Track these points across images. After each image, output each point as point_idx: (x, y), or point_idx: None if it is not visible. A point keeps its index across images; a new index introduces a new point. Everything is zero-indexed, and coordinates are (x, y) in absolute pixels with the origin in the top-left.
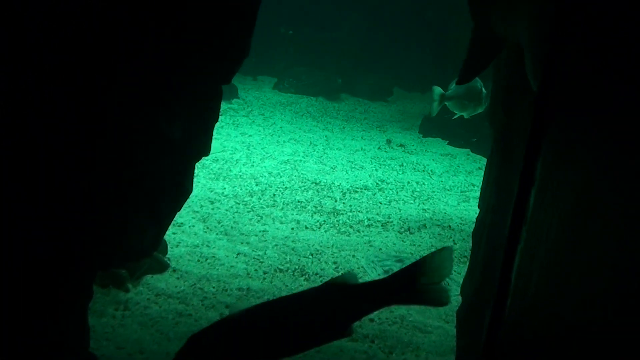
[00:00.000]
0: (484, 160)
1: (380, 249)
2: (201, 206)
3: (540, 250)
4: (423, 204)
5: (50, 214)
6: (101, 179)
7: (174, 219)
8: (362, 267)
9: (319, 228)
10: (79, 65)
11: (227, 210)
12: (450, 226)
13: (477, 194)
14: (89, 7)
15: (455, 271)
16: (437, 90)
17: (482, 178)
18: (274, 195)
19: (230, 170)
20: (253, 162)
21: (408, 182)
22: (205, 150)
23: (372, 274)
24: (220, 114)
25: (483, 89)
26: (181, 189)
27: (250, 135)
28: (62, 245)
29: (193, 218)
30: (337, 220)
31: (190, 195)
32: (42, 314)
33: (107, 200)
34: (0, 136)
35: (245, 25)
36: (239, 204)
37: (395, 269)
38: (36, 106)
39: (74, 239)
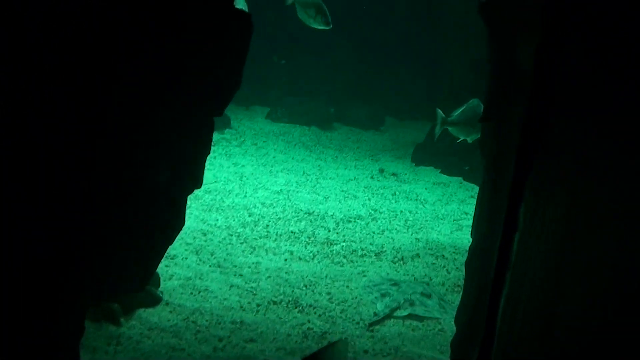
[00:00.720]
0: (476, 189)
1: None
2: (194, 238)
3: (525, 289)
4: (416, 233)
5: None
6: (92, 214)
7: (167, 251)
8: (356, 297)
9: (313, 259)
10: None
11: (220, 241)
12: (443, 255)
13: (470, 222)
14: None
15: (449, 300)
16: (440, 114)
17: (474, 206)
18: (267, 226)
19: (223, 201)
20: (246, 192)
21: (401, 211)
22: (197, 183)
23: (369, 298)
24: (212, 144)
25: None
26: (173, 223)
27: (243, 166)
28: (53, 281)
29: (186, 250)
30: (330, 251)
31: (183, 227)
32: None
33: (99, 235)
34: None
35: (237, 59)
36: (232, 235)
37: (391, 292)
38: (36, 106)
39: (66, 274)
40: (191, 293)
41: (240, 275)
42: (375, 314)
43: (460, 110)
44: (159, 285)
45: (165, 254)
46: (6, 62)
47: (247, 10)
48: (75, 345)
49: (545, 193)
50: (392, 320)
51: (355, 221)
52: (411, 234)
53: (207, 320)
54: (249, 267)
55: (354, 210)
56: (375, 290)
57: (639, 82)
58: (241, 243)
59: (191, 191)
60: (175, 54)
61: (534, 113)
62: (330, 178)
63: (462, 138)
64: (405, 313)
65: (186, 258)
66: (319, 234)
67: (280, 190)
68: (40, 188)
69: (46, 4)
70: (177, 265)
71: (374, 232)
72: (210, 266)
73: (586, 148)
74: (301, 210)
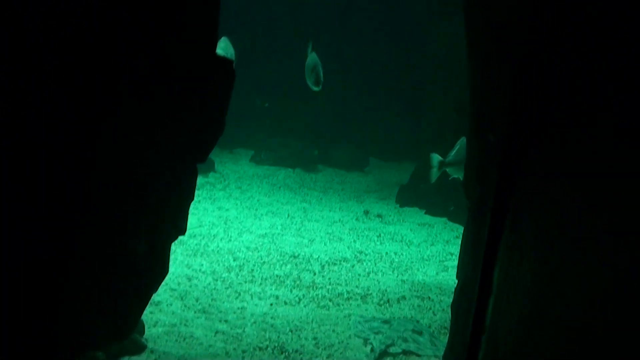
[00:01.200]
0: (461, 229)
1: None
2: (179, 283)
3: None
4: (402, 274)
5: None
6: (76, 265)
7: (152, 297)
8: (343, 341)
9: (298, 303)
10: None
11: (205, 287)
12: (429, 297)
13: (456, 263)
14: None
15: (436, 344)
16: (436, 157)
17: (459, 247)
18: (252, 270)
19: (208, 246)
20: (230, 236)
21: (386, 253)
22: (181, 229)
23: (361, 335)
24: (197, 188)
25: None
26: (157, 271)
27: (227, 210)
28: (37, 331)
29: (170, 296)
30: (316, 294)
31: (168, 273)
32: None
33: (82, 284)
34: None
35: (220, 106)
36: (216, 280)
37: (383, 330)
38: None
39: (49, 324)
40: (176, 340)
41: (226, 321)
42: (372, 350)
43: (455, 150)
44: (143, 332)
45: (150, 301)
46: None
47: (231, 48)
48: None
49: (518, 253)
50: (388, 358)
51: (340, 264)
52: (397, 276)
53: None
54: (235, 313)
55: (339, 252)
56: (367, 328)
57: (608, 144)
58: (226, 288)
59: (175, 238)
60: (156, 108)
61: (505, 180)
62: (315, 220)
63: (457, 176)
64: (399, 350)
65: (171, 304)
66: (304, 277)
67: (265, 233)
68: (17, 242)
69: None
70: (161, 312)
71: (359, 275)
72: (195, 312)
73: (558, 207)
74: (286, 253)
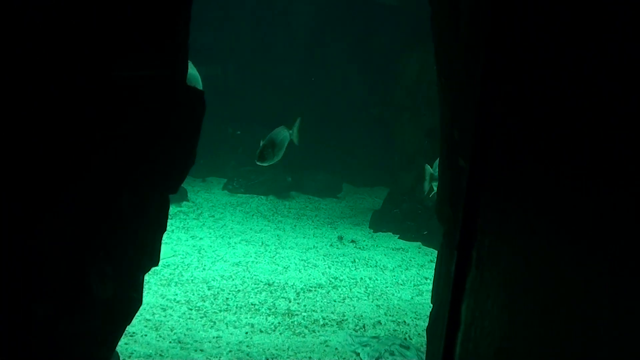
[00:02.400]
0: (435, 253)
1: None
2: (153, 314)
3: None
4: (377, 299)
5: None
6: (46, 295)
7: (126, 329)
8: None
9: (274, 331)
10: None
11: (179, 316)
12: (405, 321)
13: (430, 287)
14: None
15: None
16: (429, 169)
17: (434, 271)
18: (227, 299)
19: (182, 275)
20: (204, 265)
21: (361, 279)
22: (154, 261)
23: (350, 348)
24: (169, 217)
25: None
26: (130, 303)
27: (201, 238)
28: None
29: (145, 327)
30: (292, 322)
31: (142, 303)
32: None
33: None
34: None
35: (191, 137)
36: (191, 309)
37: (372, 344)
38: None
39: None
40: None
41: (201, 350)
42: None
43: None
44: None
45: (125, 332)
46: None
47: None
48: None
49: (484, 289)
50: None
51: (315, 290)
52: (372, 301)
53: None
54: (210, 342)
55: (314, 279)
56: (357, 342)
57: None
58: (201, 317)
59: (148, 269)
60: (126, 141)
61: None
62: (289, 247)
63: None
64: None
65: (145, 335)
66: (279, 305)
67: (239, 261)
68: None
69: None
70: (136, 343)
71: (335, 301)
72: (170, 342)
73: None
74: (261, 281)
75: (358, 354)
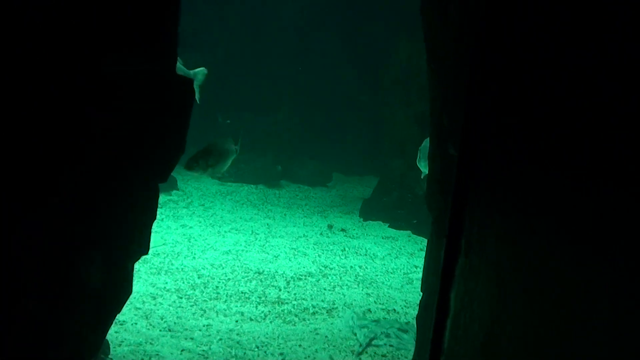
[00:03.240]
0: (425, 241)
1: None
2: (143, 302)
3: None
4: (367, 288)
5: None
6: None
7: (116, 317)
8: (309, 356)
9: (264, 319)
10: None
11: (169, 305)
12: (395, 309)
13: (420, 275)
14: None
15: (402, 355)
16: (426, 145)
17: (424, 260)
18: (217, 287)
19: (172, 264)
20: (194, 254)
21: (351, 267)
22: (144, 249)
23: (349, 329)
24: (159, 206)
25: None
26: (120, 292)
27: (190, 227)
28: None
29: (135, 315)
30: (282, 310)
31: (132, 292)
32: None
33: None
34: None
35: (180, 125)
36: (181, 298)
37: (371, 326)
38: None
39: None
40: (142, 359)
41: (191, 338)
42: (360, 345)
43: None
44: (109, 352)
45: (115, 320)
46: None
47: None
48: None
49: (473, 276)
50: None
51: (305, 279)
52: (362, 289)
53: None
54: (200, 330)
55: (304, 267)
56: (357, 325)
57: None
58: (191, 306)
59: (138, 258)
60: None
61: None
62: (279, 236)
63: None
64: (381, 343)
65: (136, 323)
66: (269, 293)
67: (229, 250)
68: None
69: None
70: (126, 331)
71: (324, 289)
72: (160, 330)
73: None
74: (251, 270)
75: (355, 335)
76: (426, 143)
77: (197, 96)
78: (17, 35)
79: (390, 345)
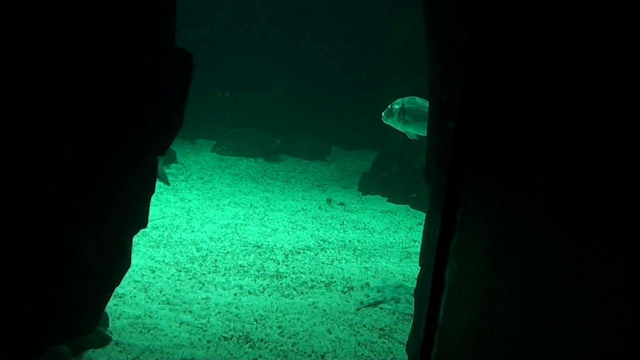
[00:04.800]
0: (424, 216)
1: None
2: (142, 275)
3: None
4: (365, 262)
5: None
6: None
7: (115, 290)
8: (307, 329)
9: (263, 292)
10: None
11: (168, 278)
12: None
13: (419, 249)
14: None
15: (400, 329)
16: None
17: (422, 234)
18: (216, 260)
19: (171, 237)
20: (193, 227)
21: (349, 241)
22: (142, 222)
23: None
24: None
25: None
26: (118, 265)
27: (189, 200)
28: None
29: (134, 288)
30: (280, 283)
31: (131, 265)
32: None
33: (42, 283)
34: None
35: (179, 98)
36: (180, 271)
37: (386, 290)
38: None
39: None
40: (141, 332)
41: (190, 311)
42: (361, 302)
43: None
44: (107, 324)
45: (114, 293)
46: None
47: None
48: None
49: (467, 252)
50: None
51: (304, 252)
52: (360, 263)
53: (157, 359)
54: (199, 303)
55: (302, 241)
56: (374, 289)
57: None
58: (190, 279)
59: (137, 231)
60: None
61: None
62: (278, 210)
63: (415, 133)
64: (388, 307)
65: (134, 296)
66: (268, 266)
67: (228, 224)
68: None
69: None
70: (125, 304)
71: (323, 263)
72: (159, 303)
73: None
74: (249, 243)
75: (368, 297)
76: (408, 102)
77: None
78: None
79: (394, 311)
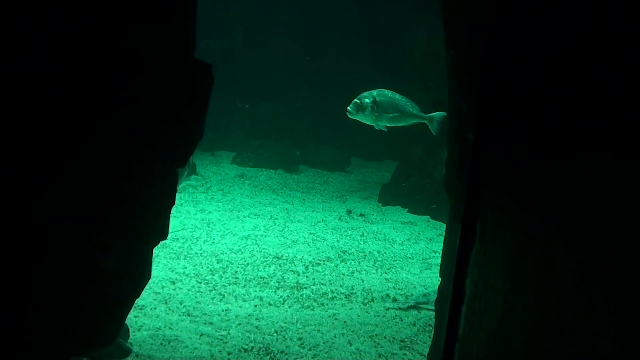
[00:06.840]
0: (444, 226)
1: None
2: (162, 287)
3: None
4: (385, 273)
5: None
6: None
7: (135, 301)
8: (327, 341)
9: (283, 304)
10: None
11: (188, 290)
12: (413, 294)
13: (439, 260)
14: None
15: (421, 341)
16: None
17: (442, 245)
18: (236, 272)
19: (191, 249)
20: (213, 239)
21: (370, 252)
22: (162, 234)
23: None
24: (178, 191)
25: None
26: (138, 276)
27: (209, 212)
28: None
29: (154, 300)
30: (300, 295)
31: (151, 277)
32: None
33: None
34: None
35: (199, 110)
36: (200, 283)
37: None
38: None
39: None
40: (161, 343)
41: (210, 323)
42: (395, 300)
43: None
44: (128, 336)
45: (134, 305)
46: None
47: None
48: None
49: (487, 263)
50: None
51: (324, 263)
52: (380, 275)
53: None
54: (219, 315)
55: (323, 252)
56: (423, 296)
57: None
58: (210, 290)
59: (157, 243)
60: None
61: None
62: (298, 221)
63: (383, 124)
64: (430, 307)
65: (155, 308)
66: (288, 278)
67: (248, 235)
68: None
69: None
70: (146, 316)
71: (343, 274)
72: (179, 315)
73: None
74: (270, 254)
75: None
76: (378, 95)
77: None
78: (42, 9)
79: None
